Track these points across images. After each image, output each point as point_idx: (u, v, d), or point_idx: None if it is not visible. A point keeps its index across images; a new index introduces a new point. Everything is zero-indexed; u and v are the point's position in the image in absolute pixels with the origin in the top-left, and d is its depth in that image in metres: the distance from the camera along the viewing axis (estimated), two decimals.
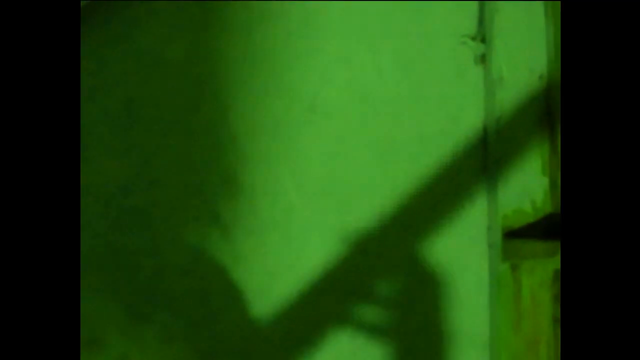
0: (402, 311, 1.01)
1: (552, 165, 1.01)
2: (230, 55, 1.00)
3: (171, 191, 0.98)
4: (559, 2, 1.01)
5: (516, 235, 1.01)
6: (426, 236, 1.02)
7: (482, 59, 1.04)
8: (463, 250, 1.03)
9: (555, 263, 0.98)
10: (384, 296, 1.02)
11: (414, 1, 1.03)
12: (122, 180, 0.97)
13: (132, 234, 0.97)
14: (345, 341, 1.00)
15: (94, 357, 0.93)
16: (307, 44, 1.01)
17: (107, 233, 0.97)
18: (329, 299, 1.01)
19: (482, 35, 1.03)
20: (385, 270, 1.02)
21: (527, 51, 1.02)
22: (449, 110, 1.03)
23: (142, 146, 0.98)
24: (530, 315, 1.00)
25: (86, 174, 0.90)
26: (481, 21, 1.03)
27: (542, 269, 1.00)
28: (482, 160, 1.04)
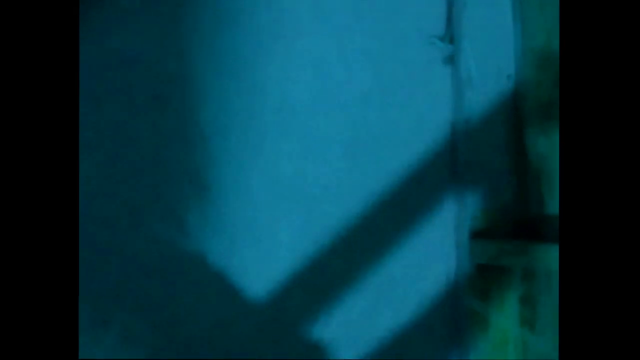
0: (370, 311, 1.02)
1: (519, 165, 1.02)
2: (199, 54, 1.00)
3: (139, 191, 0.98)
4: (526, 3, 1.02)
5: (484, 236, 1.01)
6: (394, 236, 1.02)
7: (451, 60, 1.04)
8: (431, 250, 1.03)
9: (523, 263, 0.99)
10: (352, 296, 1.02)
11: (382, 2, 1.03)
12: (89, 179, 0.97)
13: (99, 233, 0.97)
14: (315, 341, 1.00)
15: None
16: (276, 43, 1.01)
17: None
18: (298, 299, 1.01)
19: (451, 35, 1.04)
20: (353, 269, 1.02)
21: (495, 51, 1.02)
22: (418, 110, 1.03)
23: (110, 145, 0.98)
24: (499, 316, 1.00)
25: None
26: (449, 22, 1.04)
27: (510, 270, 1.00)
28: (450, 160, 1.04)
